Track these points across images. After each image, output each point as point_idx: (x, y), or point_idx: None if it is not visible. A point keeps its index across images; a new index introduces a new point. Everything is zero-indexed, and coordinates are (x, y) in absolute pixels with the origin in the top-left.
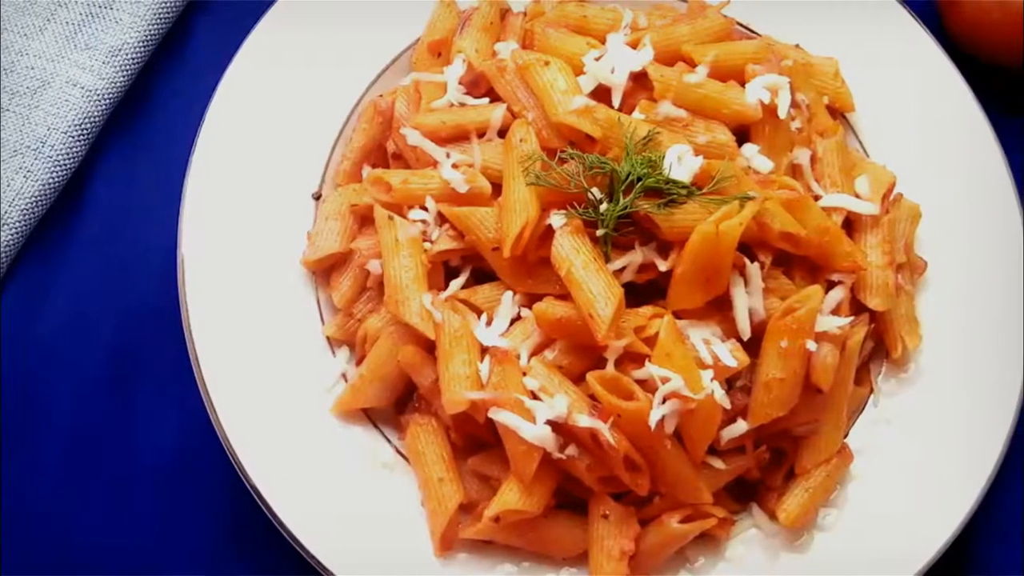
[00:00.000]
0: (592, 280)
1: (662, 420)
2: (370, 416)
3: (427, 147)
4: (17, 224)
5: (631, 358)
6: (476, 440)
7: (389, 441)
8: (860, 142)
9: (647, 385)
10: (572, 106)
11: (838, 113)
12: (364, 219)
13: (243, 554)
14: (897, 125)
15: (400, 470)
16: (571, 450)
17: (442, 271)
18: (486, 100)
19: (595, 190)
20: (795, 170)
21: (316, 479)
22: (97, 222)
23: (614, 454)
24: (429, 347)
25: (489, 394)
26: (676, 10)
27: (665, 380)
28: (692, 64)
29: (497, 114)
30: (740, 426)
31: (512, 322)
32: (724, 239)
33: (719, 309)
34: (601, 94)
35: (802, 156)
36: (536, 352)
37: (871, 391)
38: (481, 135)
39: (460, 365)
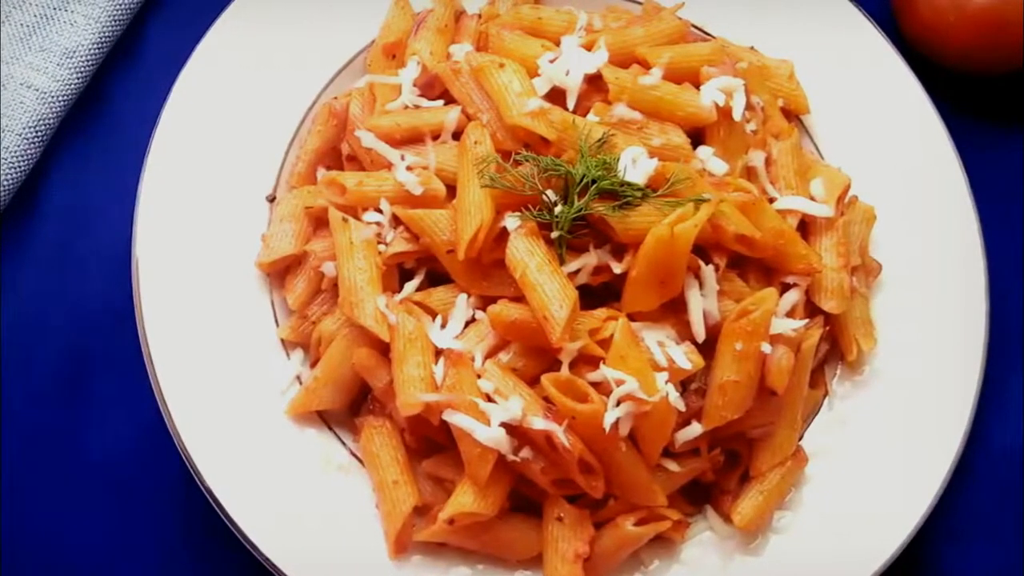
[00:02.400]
0: (547, 282)
1: (616, 422)
2: (324, 418)
3: (381, 149)
4: None
5: (586, 360)
6: (431, 442)
7: (344, 443)
8: (815, 144)
9: (602, 387)
10: (527, 108)
11: (793, 115)
12: (318, 221)
13: (197, 556)
14: (852, 127)
15: (355, 472)
16: (525, 452)
17: (397, 273)
18: (441, 102)
19: (550, 192)
20: (750, 172)
21: (270, 481)
22: (51, 224)
23: (569, 456)
24: (384, 349)
25: (443, 396)
26: (631, 12)
27: (620, 382)
28: (647, 66)
29: (452, 116)
30: (695, 428)
31: (467, 324)
32: (679, 241)
33: (674, 311)
34: (556, 96)
35: (757, 158)
36: (491, 354)
37: (826, 394)
38: (436, 137)
39: (414, 367)
